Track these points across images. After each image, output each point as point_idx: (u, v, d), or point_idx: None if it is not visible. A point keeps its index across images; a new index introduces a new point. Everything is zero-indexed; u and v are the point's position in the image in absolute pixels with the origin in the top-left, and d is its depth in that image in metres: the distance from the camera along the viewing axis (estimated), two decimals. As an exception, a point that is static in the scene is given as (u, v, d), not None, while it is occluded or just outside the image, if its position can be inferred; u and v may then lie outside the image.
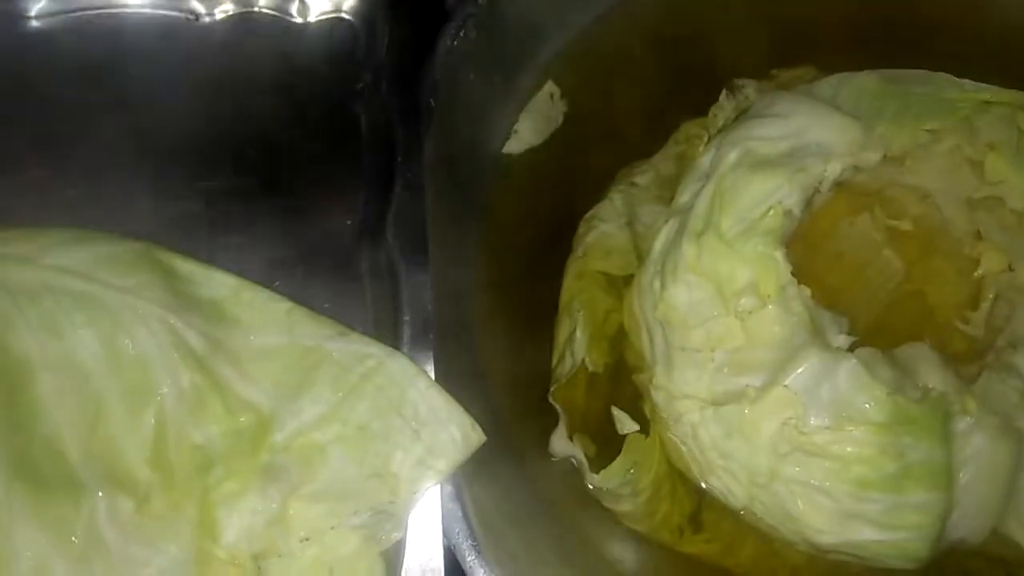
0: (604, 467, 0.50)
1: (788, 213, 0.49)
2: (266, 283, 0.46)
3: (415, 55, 0.53)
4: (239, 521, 0.39)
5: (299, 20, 0.56)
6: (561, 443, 0.51)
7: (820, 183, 0.50)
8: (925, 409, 0.45)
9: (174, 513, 0.38)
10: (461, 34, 0.55)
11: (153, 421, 0.39)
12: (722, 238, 0.49)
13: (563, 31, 0.61)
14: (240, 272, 0.46)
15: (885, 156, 0.50)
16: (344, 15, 0.56)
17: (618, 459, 0.50)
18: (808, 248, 0.53)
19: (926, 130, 0.51)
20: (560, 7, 0.61)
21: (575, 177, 0.59)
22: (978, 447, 0.45)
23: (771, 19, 0.61)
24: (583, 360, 0.52)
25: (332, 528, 0.39)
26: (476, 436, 0.43)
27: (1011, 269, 0.51)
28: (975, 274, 0.52)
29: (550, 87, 0.59)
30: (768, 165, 0.50)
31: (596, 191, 0.58)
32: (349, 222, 0.50)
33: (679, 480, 0.51)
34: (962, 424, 0.45)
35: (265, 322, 0.44)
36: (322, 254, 0.49)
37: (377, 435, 0.42)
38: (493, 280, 0.56)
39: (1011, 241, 0.51)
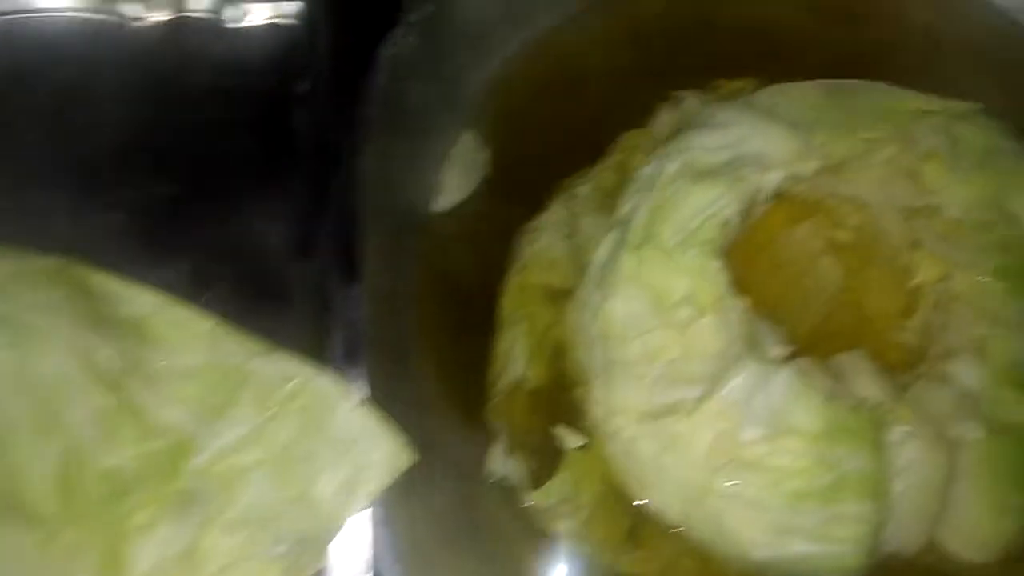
0: (543, 485, 0.49)
1: (726, 223, 0.49)
2: (192, 299, 0.45)
3: (357, 63, 0.51)
4: (151, 553, 0.37)
5: (235, 25, 0.54)
6: (499, 461, 0.50)
7: (758, 193, 0.50)
8: (860, 419, 0.45)
9: (81, 547, 0.37)
10: (405, 42, 0.54)
11: (61, 447, 0.38)
12: (661, 249, 0.49)
13: (515, 40, 0.60)
14: (165, 287, 0.45)
15: (823, 166, 0.50)
16: (283, 20, 0.54)
17: (556, 476, 0.49)
18: (748, 257, 0.53)
19: (863, 140, 0.51)
20: (512, 15, 0.60)
21: (517, 191, 0.58)
22: (912, 457, 0.45)
23: (713, 31, 0.61)
24: (522, 376, 0.52)
25: (250, 559, 0.38)
26: (406, 457, 0.42)
27: (947, 278, 0.51)
28: (912, 283, 0.52)
29: (469, 136, 0.58)
30: (707, 176, 0.50)
31: (538, 204, 0.57)
32: (281, 235, 0.48)
33: (619, 497, 0.51)
34: (896, 434, 0.45)
35: (187, 340, 0.43)
36: (253, 268, 0.48)
37: (301, 458, 0.41)
38: (433, 295, 0.54)
39: (948, 250, 0.51)
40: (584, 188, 0.58)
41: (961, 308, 0.50)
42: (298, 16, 0.53)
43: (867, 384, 0.47)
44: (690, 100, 0.58)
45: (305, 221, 0.48)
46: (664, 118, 0.59)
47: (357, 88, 0.50)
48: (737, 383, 0.46)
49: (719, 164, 0.50)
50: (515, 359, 0.52)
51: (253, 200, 0.49)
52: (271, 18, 0.54)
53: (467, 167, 0.56)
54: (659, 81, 0.59)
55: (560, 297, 0.55)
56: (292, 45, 0.53)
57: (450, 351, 0.54)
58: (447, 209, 0.55)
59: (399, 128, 0.52)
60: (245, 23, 0.54)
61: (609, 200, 0.57)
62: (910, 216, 0.52)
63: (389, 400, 0.45)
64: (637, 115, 0.59)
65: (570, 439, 0.50)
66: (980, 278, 0.49)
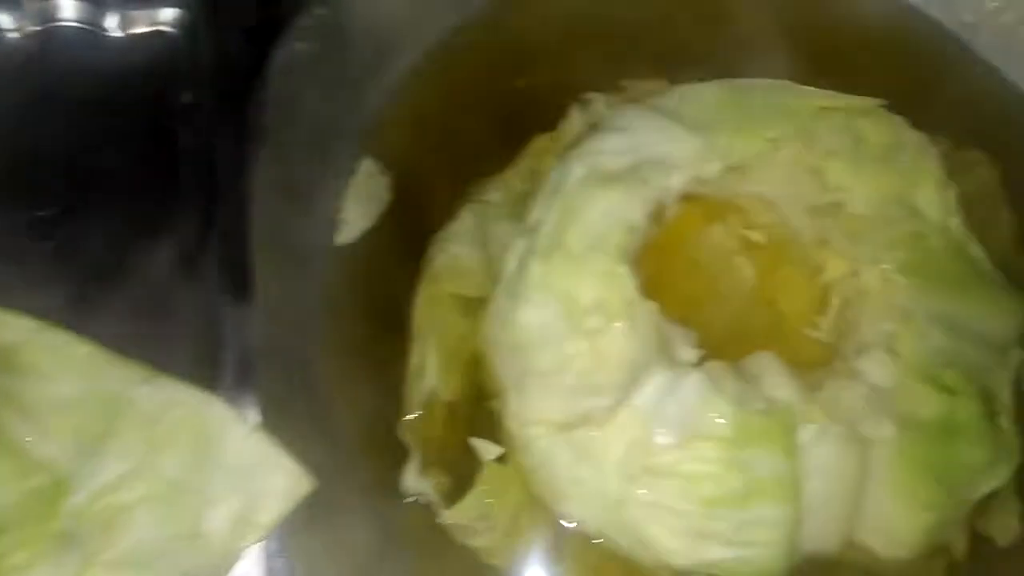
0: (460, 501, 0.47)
1: (633, 228, 0.48)
2: (70, 324, 0.42)
3: (244, 70, 0.49)
4: (23, 600, 0.35)
5: (115, 34, 0.52)
6: (413, 479, 0.49)
7: (664, 196, 0.49)
8: (770, 421, 0.44)
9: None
10: (297, 48, 0.51)
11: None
12: (569, 256, 0.48)
13: (417, 43, 0.59)
14: (42, 313, 0.42)
15: (727, 167, 0.50)
16: (165, 27, 0.52)
17: (472, 491, 0.48)
18: (664, 260, 0.52)
19: (766, 139, 0.50)
20: (412, 17, 0.58)
21: (427, 197, 0.56)
22: (824, 457, 0.45)
23: (622, 30, 0.61)
24: (435, 390, 0.50)
25: (130, 602, 0.36)
26: (304, 484, 0.40)
27: (855, 274, 0.51)
28: (822, 281, 0.52)
29: (368, 165, 0.55)
30: (612, 180, 0.49)
31: (449, 211, 0.56)
32: (167, 254, 0.46)
33: (539, 509, 0.50)
34: (808, 434, 0.45)
35: (64, 368, 0.40)
36: (136, 289, 0.45)
37: (190, 490, 0.38)
38: (340, 308, 0.52)
39: (854, 246, 0.51)
40: (495, 195, 0.57)
41: (871, 304, 0.50)
42: (177, 23, 0.51)
43: (778, 385, 0.46)
44: (598, 102, 0.58)
45: (192, 239, 0.46)
46: (574, 121, 0.58)
47: (245, 97, 0.48)
48: (648, 390, 0.45)
49: (624, 168, 0.49)
50: (428, 373, 0.51)
51: (136, 218, 0.47)
52: (150, 26, 0.51)
53: (368, 196, 0.54)
54: (569, 82, 0.58)
55: (474, 307, 0.53)
56: (173, 54, 0.51)
57: (360, 369, 0.52)
58: (351, 240, 0.53)
59: (292, 138, 0.50)
60: (122, 32, 0.51)
61: (520, 206, 0.56)
62: (816, 214, 0.52)
63: (287, 425, 0.43)
64: (548, 118, 0.57)
65: (486, 451, 0.49)
66: (887, 273, 0.49)
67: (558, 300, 0.48)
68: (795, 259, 0.53)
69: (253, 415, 0.41)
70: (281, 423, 0.42)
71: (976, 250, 0.51)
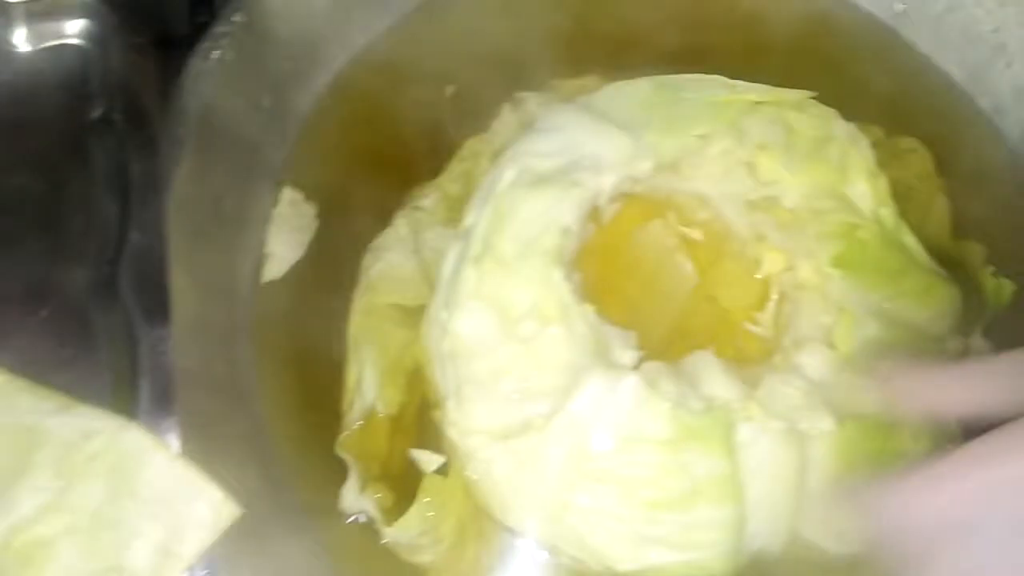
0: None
1: (566, 231, 0.47)
2: (-18, 354, 0.41)
3: (158, 82, 0.48)
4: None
5: (22, 49, 0.49)
6: (352, 497, 0.47)
7: (597, 197, 0.49)
8: (708, 421, 0.44)
9: None
10: (215, 56, 0.50)
11: None
12: (501, 261, 0.47)
13: (342, 49, 0.58)
14: (-49, 343, 0.41)
15: (659, 164, 0.50)
16: (73, 40, 0.50)
17: (415, 506, 0.46)
18: (603, 262, 0.52)
19: (697, 135, 0.50)
20: (336, 22, 0.57)
21: (357, 215, 0.55)
22: (763, 454, 0.44)
23: (553, 28, 0.60)
24: (374, 403, 0.49)
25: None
26: (229, 511, 0.38)
27: (792, 268, 0.51)
28: (759, 276, 0.52)
29: (289, 194, 0.54)
30: (543, 182, 0.48)
31: (383, 216, 0.55)
32: (80, 277, 0.44)
33: (486, 521, 0.49)
34: (746, 432, 0.44)
35: (-25, 401, 0.39)
36: (49, 313, 0.44)
37: (111, 522, 0.37)
38: (273, 324, 0.51)
39: (788, 240, 0.50)
40: (428, 200, 0.56)
41: (808, 297, 0.50)
42: (86, 35, 0.49)
43: (715, 383, 0.45)
44: (530, 102, 0.57)
45: (106, 261, 0.44)
46: (506, 121, 0.57)
47: (159, 111, 0.46)
48: (585, 395, 0.44)
49: (555, 169, 0.48)
50: (366, 386, 0.49)
51: (46, 241, 0.45)
52: (58, 39, 0.49)
53: (293, 227, 0.53)
54: (500, 82, 0.57)
55: (413, 316, 0.52)
56: (84, 65, 0.49)
57: (301, 385, 0.50)
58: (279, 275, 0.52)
59: (210, 151, 0.48)
60: (30, 47, 0.49)
61: (455, 211, 0.55)
62: (752, 209, 0.51)
63: (214, 449, 0.41)
64: (481, 120, 0.57)
65: (427, 462, 0.48)
66: (821, 266, 0.49)
67: (492, 307, 0.46)
68: (733, 255, 0.53)
69: (174, 441, 0.40)
70: (207, 448, 0.40)
71: (910, 239, 0.51)
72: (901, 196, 0.52)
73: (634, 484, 0.43)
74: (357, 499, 0.47)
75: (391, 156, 0.56)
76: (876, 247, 0.50)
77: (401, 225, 0.55)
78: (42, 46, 0.49)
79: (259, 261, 0.52)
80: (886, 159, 0.53)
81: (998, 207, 0.57)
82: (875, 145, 0.53)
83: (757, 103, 0.51)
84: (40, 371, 0.41)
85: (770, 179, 0.50)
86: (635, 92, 0.52)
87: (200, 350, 0.44)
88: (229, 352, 0.47)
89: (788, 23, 0.60)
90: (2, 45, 0.49)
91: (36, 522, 0.37)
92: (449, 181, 0.56)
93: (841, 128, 0.52)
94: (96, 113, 0.47)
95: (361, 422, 0.49)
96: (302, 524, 0.46)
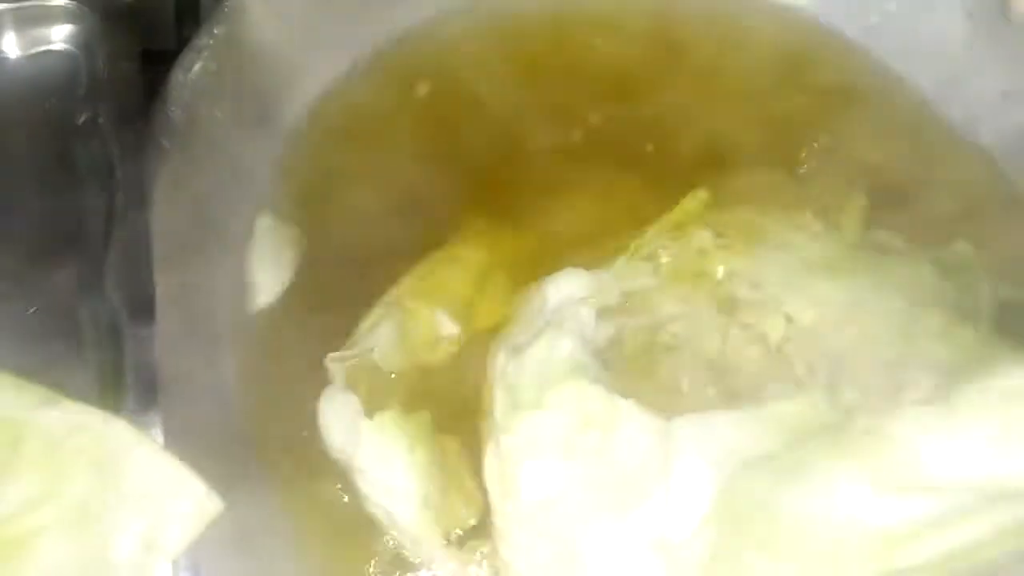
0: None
1: (581, 365, 0.47)
2: (-31, 350, 0.41)
3: (144, 88, 0.49)
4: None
5: (10, 55, 0.50)
6: (335, 398, 0.47)
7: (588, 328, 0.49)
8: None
9: None
10: (197, 68, 0.50)
11: None
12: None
13: (327, 65, 0.58)
14: (-63, 338, 0.41)
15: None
16: (61, 45, 0.51)
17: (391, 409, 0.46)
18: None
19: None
20: (321, 38, 0.57)
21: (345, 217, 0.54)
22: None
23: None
24: (378, 357, 0.48)
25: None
26: (212, 505, 0.39)
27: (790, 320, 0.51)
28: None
29: (267, 221, 0.53)
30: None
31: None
32: (67, 275, 0.45)
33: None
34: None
35: (-36, 395, 0.39)
36: (38, 311, 0.44)
37: (96, 516, 0.37)
38: (260, 322, 0.51)
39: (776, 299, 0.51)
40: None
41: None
42: (74, 41, 0.50)
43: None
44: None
45: (93, 261, 0.44)
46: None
47: (144, 115, 0.47)
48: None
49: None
50: (377, 338, 0.49)
51: (35, 240, 0.46)
52: (47, 44, 0.50)
53: (275, 255, 0.53)
54: (491, 111, 0.57)
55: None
56: (72, 70, 0.50)
57: (288, 381, 0.50)
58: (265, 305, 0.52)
59: (194, 160, 0.49)
60: (19, 51, 0.50)
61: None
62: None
63: (204, 445, 0.42)
64: (457, 152, 0.56)
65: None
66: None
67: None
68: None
69: (158, 436, 0.40)
70: (184, 444, 0.41)
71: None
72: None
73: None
74: (340, 398, 0.47)
75: (379, 170, 0.56)
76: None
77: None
78: (30, 51, 0.50)
79: (241, 271, 0.52)
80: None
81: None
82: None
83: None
84: (27, 366, 0.41)
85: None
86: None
87: (183, 354, 0.44)
88: (212, 355, 0.48)
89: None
90: (-18, 52, 0.50)
91: (22, 515, 0.38)
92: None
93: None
94: (83, 116, 0.48)
95: (356, 360, 0.49)
96: (284, 524, 0.46)
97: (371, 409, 0.47)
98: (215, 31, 0.51)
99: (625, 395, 0.46)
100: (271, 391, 0.50)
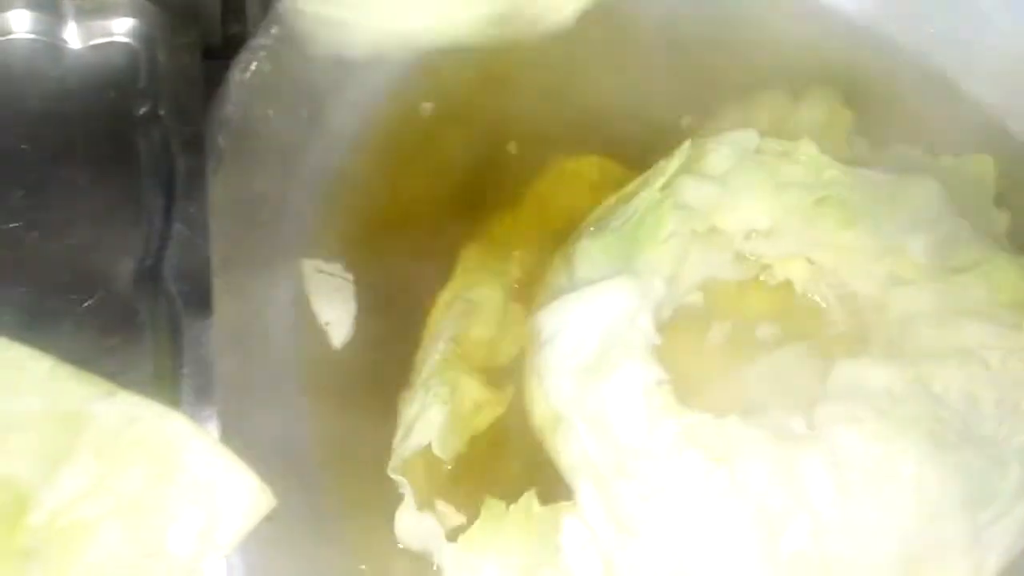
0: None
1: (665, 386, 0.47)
2: (31, 339, 0.41)
3: (202, 82, 0.49)
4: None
5: (72, 46, 0.51)
6: (409, 517, 0.46)
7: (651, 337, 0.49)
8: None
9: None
10: (253, 67, 0.51)
11: None
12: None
13: (381, 71, 0.57)
14: (1, 328, 0.42)
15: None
16: (122, 38, 0.51)
17: (477, 522, 0.45)
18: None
19: None
20: (379, 41, 0.56)
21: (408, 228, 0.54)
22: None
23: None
24: (432, 444, 0.47)
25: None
26: (266, 500, 0.39)
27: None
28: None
29: (314, 265, 0.52)
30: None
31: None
32: (127, 267, 0.45)
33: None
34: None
35: (24, 384, 0.40)
36: (96, 302, 0.44)
37: (152, 508, 0.38)
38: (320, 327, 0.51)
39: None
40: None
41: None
42: (135, 34, 0.50)
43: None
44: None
45: (153, 252, 0.45)
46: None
47: (202, 107, 0.48)
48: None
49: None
50: (426, 424, 0.48)
51: (95, 231, 0.46)
52: (108, 37, 0.50)
53: (334, 298, 0.52)
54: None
55: (495, 376, 0.50)
56: (133, 63, 0.50)
57: (349, 391, 0.49)
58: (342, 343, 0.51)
59: (250, 159, 0.50)
60: (80, 44, 0.50)
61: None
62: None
63: (256, 443, 0.42)
64: (510, 180, 0.55)
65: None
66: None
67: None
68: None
69: (214, 430, 0.41)
70: (240, 439, 0.41)
71: None
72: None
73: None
74: (415, 518, 0.46)
75: (443, 185, 0.55)
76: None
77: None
78: (92, 43, 0.50)
79: (292, 275, 0.51)
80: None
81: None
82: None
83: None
84: (86, 358, 0.42)
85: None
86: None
87: (240, 350, 0.45)
88: (267, 359, 0.48)
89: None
90: (54, 41, 0.50)
91: (80, 504, 0.38)
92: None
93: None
94: (143, 109, 0.48)
95: (410, 456, 0.48)
96: (336, 532, 0.46)
97: (433, 498, 0.46)
98: (271, 31, 0.51)
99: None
100: (331, 402, 0.49)
